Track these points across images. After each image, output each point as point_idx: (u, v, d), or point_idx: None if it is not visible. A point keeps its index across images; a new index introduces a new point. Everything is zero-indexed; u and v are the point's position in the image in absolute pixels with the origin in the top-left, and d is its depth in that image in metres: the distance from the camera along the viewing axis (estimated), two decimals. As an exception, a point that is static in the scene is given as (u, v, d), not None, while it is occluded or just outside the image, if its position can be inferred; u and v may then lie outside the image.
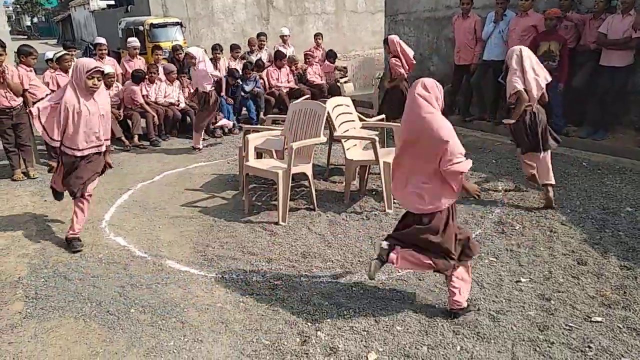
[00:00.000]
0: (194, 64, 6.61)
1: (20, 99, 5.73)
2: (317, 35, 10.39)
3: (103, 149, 4.07)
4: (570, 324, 2.83)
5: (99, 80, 3.86)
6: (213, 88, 6.79)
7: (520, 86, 4.09)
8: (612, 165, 5.44)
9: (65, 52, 6.79)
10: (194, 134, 7.03)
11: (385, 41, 6.28)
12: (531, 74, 4.11)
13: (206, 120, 7.01)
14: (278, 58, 8.93)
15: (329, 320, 2.97)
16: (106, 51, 8.01)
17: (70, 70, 3.90)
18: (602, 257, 3.55)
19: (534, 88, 4.11)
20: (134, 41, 8.70)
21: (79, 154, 3.92)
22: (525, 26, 6.46)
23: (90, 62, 3.88)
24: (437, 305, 3.07)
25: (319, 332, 2.86)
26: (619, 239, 3.80)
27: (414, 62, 6.19)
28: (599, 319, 2.87)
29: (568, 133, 6.32)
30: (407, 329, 2.86)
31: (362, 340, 2.78)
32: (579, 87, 6.15)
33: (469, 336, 2.77)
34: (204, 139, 7.52)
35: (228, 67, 8.42)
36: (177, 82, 7.94)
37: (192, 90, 7.71)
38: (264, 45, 9.98)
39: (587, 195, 4.64)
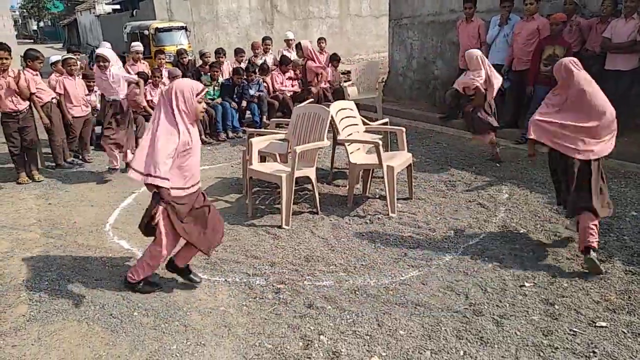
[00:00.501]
0: (105, 67, 5.63)
1: (27, 103, 5.77)
2: (321, 40, 10.40)
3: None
4: (574, 329, 2.82)
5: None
6: (124, 98, 5.90)
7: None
8: (617, 170, 5.41)
9: (69, 55, 6.83)
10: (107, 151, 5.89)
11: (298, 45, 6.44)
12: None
13: (118, 136, 5.80)
14: (284, 63, 8.95)
15: (331, 324, 2.97)
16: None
17: (171, 97, 2.97)
18: (607, 262, 3.53)
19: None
20: (137, 45, 8.73)
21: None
22: (531, 30, 6.45)
23: (195, 83, 3.08)
24: (440, 309, 3.05)
25: (321, 336, 2.85)
26: (623, 244, 3.78)
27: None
28: (604, 324, 2.85)
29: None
30: (410, 333, 2.85)
31: (365, 345, 2.77)
32: None
33: (473, 341, 2.76)
34: (209, 143, 7.56)
35: (234, 67, 8.45)
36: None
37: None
38: (269, 49, 10.03)
39: (591, 200, 4.61)
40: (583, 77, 3.46)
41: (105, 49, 6.11)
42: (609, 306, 3.02)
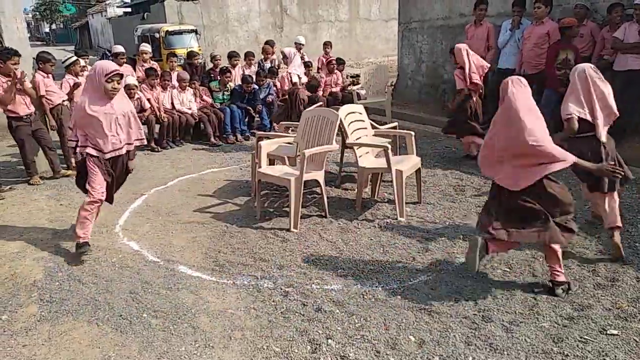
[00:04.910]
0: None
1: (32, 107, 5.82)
2: (326, 44, 10.42)
3: None
4: (585, 337, 2.79)
5: None
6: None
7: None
8: (629, 175, 5.35)
9: (76, 58, 6.85)
10: None
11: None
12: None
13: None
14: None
15: (339, 328, 2.96)
16: (125, 59, 8.15)
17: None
18: (618, 269, 3.49)
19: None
20: (144, 46, 8.84)
21: None
22: (541, 34, 6.43)
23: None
24: (449, 315, 3.04)
25: (329, 340, 2.85)
26: (635, 250, 3.73)
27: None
28: (615, 332, 2.82)
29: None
30: (419, 338, 2.84)
31: (372, 349, 2.76)
32: None
33: (482, 347, 2.74)
34: (218, 145, 7.61)
35: (243, 74, 8.48)
36: (189, 90, 8.03)
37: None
38: (274, 52, 10.10)
39: (602, 206, 4.57)
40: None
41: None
42: (620, 314, 2.98)
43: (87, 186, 3.93)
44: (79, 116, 3.82)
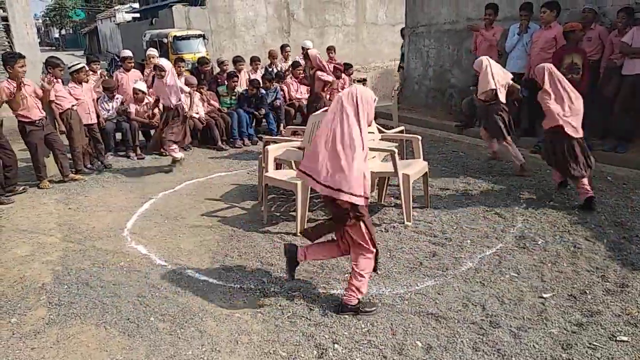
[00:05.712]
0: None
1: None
2: (330, 49, 10.41)
3: None
4: (594, 343, 2.76)
5: None
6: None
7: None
8: (638, 180, 5.31)
9: (83, 64, 6.88)
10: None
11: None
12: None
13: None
14: (295, 67, 9.01)
15: (346, 333, 2.95)
16: (133, 64, 8.21)
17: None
18: (628, 274, 3.46)
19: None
20: (151, 50, 8.90)
21: None
22: (548, 38, 6.40)
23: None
24: (457, 320, 3.02)
25: (336, 345, 2.84)
26: (645, 256, 3.70)
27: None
28: (625, 338, 2.79)
29: (592, 146, 6.21)
30: (426, 344, 2.83)
31: (379, 354, 2.75)
32: (608, 99, 6.06)
33: (489, 353, 2.72)
34: (225, 150, 7.66)
35: (248, 78, 8.52)
36: (197, 94, 8.06)
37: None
38: (289, 55, 10.14)
39: (612, 211, 4.54)
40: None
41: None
42: (630, 320, 2.95)
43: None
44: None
